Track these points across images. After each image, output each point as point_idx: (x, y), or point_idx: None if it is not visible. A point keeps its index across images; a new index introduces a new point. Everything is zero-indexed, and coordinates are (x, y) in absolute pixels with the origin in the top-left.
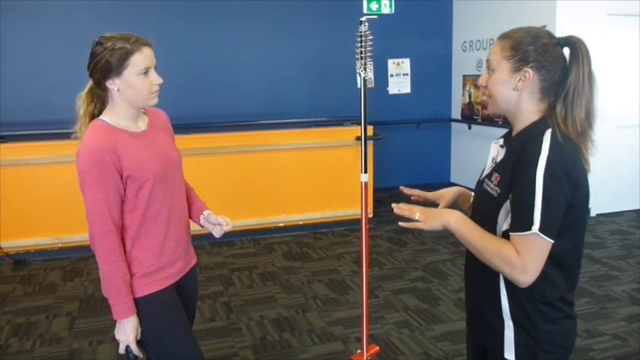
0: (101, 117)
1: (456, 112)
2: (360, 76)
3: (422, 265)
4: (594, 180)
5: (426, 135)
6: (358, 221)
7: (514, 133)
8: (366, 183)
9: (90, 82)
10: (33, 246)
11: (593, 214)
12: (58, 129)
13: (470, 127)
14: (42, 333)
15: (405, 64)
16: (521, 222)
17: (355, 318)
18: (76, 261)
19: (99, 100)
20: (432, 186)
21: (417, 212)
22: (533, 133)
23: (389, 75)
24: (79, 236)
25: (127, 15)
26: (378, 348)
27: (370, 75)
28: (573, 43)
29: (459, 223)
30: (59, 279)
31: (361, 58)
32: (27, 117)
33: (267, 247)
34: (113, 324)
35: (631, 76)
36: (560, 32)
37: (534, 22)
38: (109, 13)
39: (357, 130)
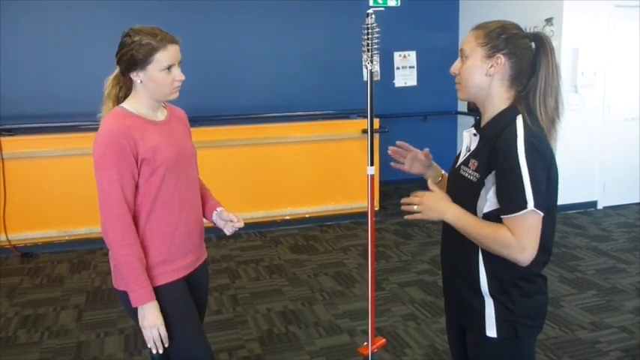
0: (122, 104)
1: (462, 105)
2: (366, 68)
3: (428, 258)
4: (601, 173)
5: (433, 128)
6: (364, 214)
7: (485, 120)
8: (372, 176)
9: (117, 69)
10: (40, 238)
11: (600, 206)
12: (64, 122)
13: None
14: (49, 325)
15: (412, 56)
16: (515, 204)
17: (361, 310)
18: (83, 254)
19: (124, 85)
20: None
21: (415, 204)
22: (506, 119)
23: (395, 68)
24: (86, 229)
25: (132, 8)
26: (384, 340)
27: (377, 68)
28: (542, 38)
29: (456, 215)
30: (66, 271)
31: (368, 50)
32: (32, 110)
33: (273, 240)
34: (120, 316)
35: (639, 67)
36: (567, 25)
37: (542, 13)
38: (113, 7)
39: (363, 123)
